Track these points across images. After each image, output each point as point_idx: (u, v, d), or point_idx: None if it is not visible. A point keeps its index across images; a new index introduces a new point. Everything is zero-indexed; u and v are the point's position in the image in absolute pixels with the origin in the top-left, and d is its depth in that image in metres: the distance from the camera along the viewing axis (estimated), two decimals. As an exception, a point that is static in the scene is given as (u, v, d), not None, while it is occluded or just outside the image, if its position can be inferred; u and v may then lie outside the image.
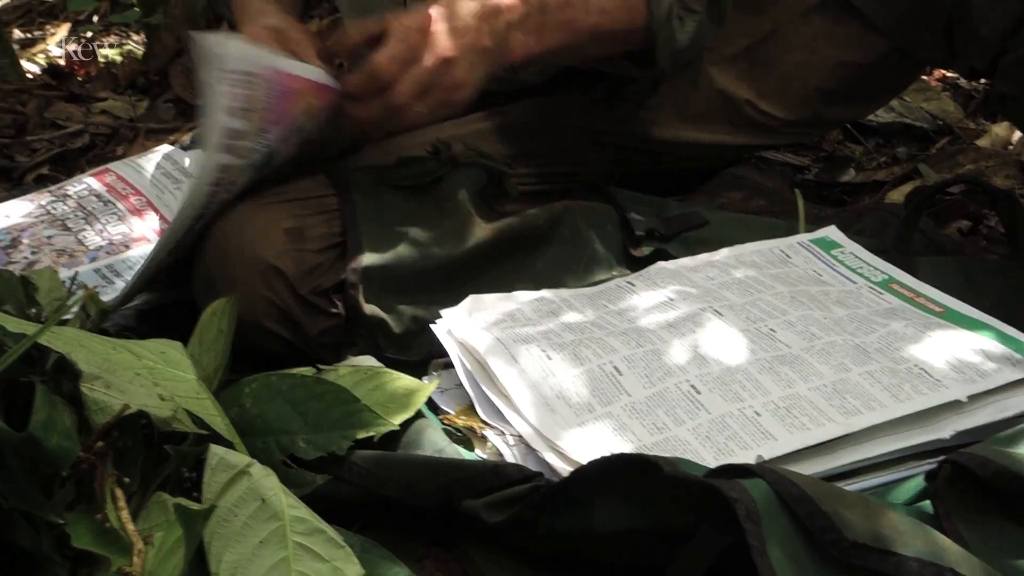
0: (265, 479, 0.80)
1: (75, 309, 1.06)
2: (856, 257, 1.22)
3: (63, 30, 4.07)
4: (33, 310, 1.01)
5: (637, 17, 1.24)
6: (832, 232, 1.27)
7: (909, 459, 0.92)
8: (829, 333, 1.05)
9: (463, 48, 1.13)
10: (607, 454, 0.83)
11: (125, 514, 0.76)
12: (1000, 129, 1.93)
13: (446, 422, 1.02)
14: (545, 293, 1.17)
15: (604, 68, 1.39)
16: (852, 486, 0.88)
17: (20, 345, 0.80)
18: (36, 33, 4.32)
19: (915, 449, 0.92)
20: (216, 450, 0.81)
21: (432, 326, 1.11)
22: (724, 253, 1.24)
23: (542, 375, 1.02)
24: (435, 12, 1.13)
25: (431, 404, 1.04)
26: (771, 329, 1.07)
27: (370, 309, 1.14)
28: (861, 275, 1.18)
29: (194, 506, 0.76)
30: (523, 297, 1.16)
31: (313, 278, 1.13)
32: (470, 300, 1.14)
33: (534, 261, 1.25)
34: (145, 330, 1.17)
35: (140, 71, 2.69)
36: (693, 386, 0.99)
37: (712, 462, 0.88)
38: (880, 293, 1.14)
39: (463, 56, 1.13)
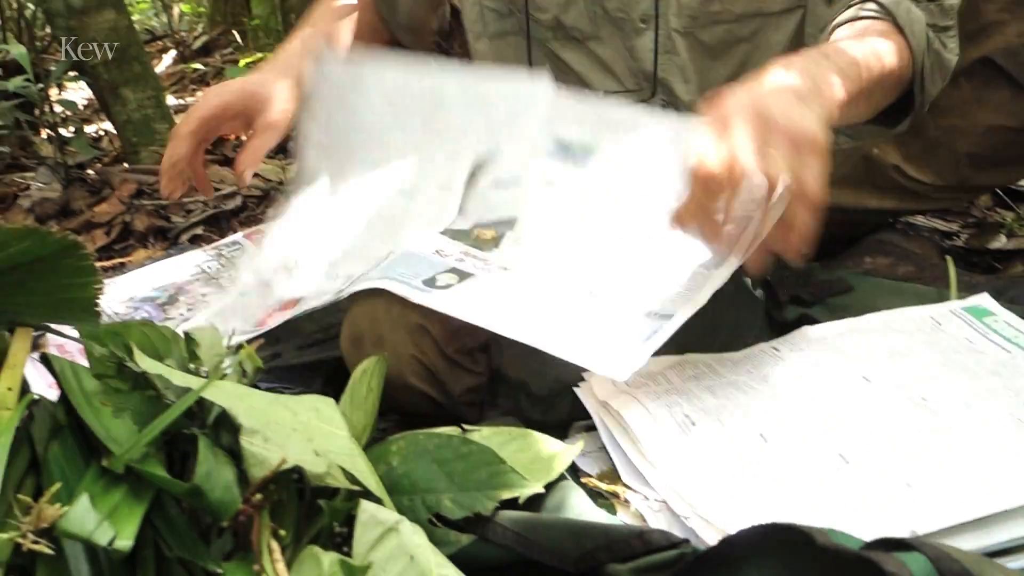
0: (414, 536, 0.81)
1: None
2: (1010, 326, 1.18)
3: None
4: (193, 365, 1.05)
5: (903, 55, 1.18)
6: (985, 299, 1.24)
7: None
8: (984, 403, 1.02)
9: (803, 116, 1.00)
10: (755, 523, 0.81)
11: (281, 566, 0.78)
12: None
13: (588, 485, 1.02)
14: (688, 357, 1.16)
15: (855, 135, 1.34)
16: (1012, 564, 0.85)
17: (186, 398, 0.84)
18: (188, 99, 4.54)
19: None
20: (367, 506, 0.83)
21: (575, 388, 1.12)
22: (872, 319, 1.22)
23: (686, 440, 1.01)
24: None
25: (572, 466, 1.04)
26: (923, 398, 1.05)
27: (513, 369, 1.15)
28: (1016, 344, 1.15)
29: (352, 562, 0.78)
30: (666, 361, 1.15)
31: (459, 337, 1.15)
32: None
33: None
34: (280, 386, 1.21)
35: (289, 136, 2.79)
36: (841, 455, 0.97)
37: (862, 535, 0.85)
38: None
39: (807, 120, 1.00)
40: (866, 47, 1.15)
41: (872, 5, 1.23)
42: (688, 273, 1.13)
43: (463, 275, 1.19)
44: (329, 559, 0.79)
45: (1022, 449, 0.94)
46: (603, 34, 1.45)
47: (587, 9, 1.44)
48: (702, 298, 1.08)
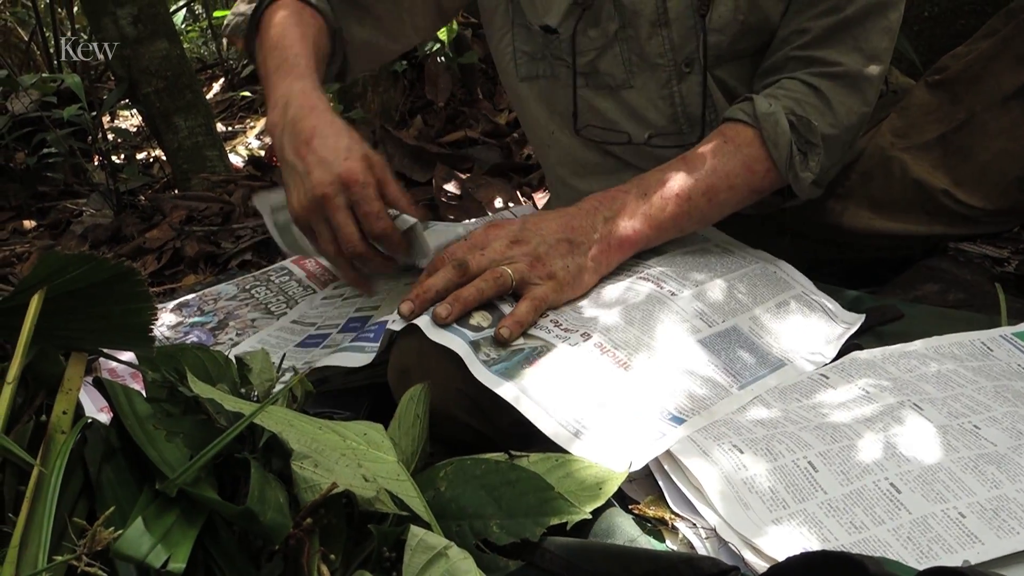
0: (463, 562, 0.82)
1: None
2: None
3: (262, 123, 4.32)
4: (244, 389, 1.06)
5: (761, 171, 1.35)
6: None
7: None
8: None
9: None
10: (805, 551, 0.81)
11: (330, 590, 0.78)
12: None
13: (636, 512, 1.01)
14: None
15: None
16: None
17: (239, 424, 0.85)
18: (237, 127, 4.60)
19: None
20: (416, 531, 0.83)
21: (622, 415, 1.11)
22: (921, 345, 1.21)
23: (734, 469, 1.00)
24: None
25: (619, 493, 1.04)
26: (975, 425, 1.03)
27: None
28: None
29: None
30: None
31: None
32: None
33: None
34: (328, 411, 1.22)
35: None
36: (893, 484, 0.96)
37: (915, 565, 0.85)
38: None
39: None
40: (695, 164, 1.31)
41: (749, 108, 1.36)
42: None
43: (497, 313, 1.17)
44: (379, 584, 0.79)
45: (1078, 479, 0.93)
46: (636, 82, 1.47)
47: (622, 56, 1.45)
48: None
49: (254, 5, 1.50)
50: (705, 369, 1.15)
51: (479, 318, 1.15)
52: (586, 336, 1.15)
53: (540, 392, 1.07)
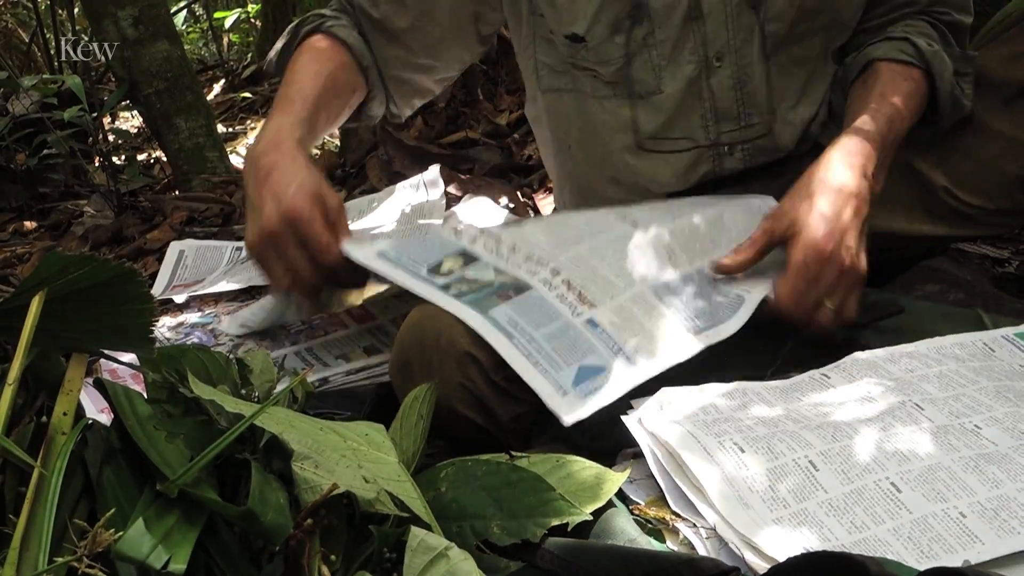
0: (463, 563, 0.82)
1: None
2: None
3: (262, 125, 4.31)
4: (245, 390, 1.06)
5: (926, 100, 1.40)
6: None
7: None
8: None
9: (858, 252, 1.23)
10: (806, 551, 0.81)
11: (331, 590, 0.78)
12: None
13: (636, 512, 1.01)
14: (737, 386, 1.16)
15: None
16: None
17: (239, 425, 0.85)
18: (238, 127, 4.60)
19: None
20: (417, 532, 0.83)
21: (623, 417, 1.11)
22: (923, 345, 1.21)
23: (735, 468, 1.00)
24: (810, 233, 1.21)
25: (620, 494, 1.04)
26: (976, 425, 1.03)
27: (562, 397, 1.15)
28: None
29: None
30: (715, 390, 1.15)
31: (506, 365, 1.15)
32: (661, 392, 1.14)
33: (726, 352, 1.25)
34: (329, 411, 1.23)
35: (338, 163, 2.82)
36: (893, 484, 0.96)
37: (915, 565, 0.85)
38: None
39: (859, 258, 1.23)
40: (898, 108, 1.35)
41: (910, 48, 1.40)
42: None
43: (469, 259, 1.22)
44: (379, 584, 0.79)
45: (1078, 478, 0.93)
46: (666, 87, 1.44)
47: (651, 61, 1.43)
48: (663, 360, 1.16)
49: (285, 40, 1.53)
50: (664, 312, 1.21)
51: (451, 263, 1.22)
52: (555, 272, 1.20)
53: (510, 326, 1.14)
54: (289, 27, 1.56)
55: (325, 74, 1.44)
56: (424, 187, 1.89)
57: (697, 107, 1.44)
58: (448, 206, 1.94)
